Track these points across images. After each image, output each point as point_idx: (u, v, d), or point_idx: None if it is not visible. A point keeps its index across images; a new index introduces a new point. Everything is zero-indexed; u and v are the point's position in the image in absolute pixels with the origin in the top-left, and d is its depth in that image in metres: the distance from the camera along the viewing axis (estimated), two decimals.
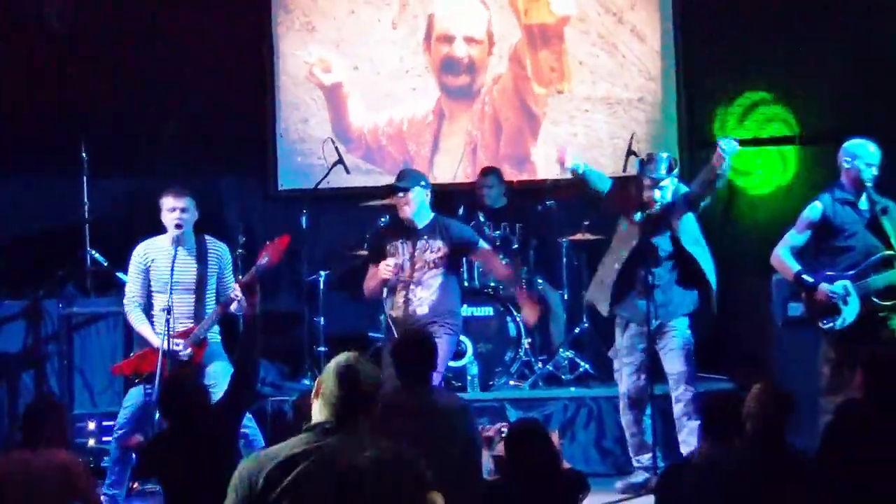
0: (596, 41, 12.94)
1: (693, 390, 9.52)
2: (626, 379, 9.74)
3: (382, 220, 11.37)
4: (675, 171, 9.59)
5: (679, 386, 9.57)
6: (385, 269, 9.54)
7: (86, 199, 11.56)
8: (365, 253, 11.32)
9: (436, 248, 9.63)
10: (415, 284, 9.63)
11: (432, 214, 9.75)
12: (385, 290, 9.71)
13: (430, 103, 13.10)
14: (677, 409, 9.57)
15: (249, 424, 9.38)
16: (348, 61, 13.07)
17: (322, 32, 13.09)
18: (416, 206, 9.60)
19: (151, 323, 9.51)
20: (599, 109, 12.88)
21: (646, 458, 9.72)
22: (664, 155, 9.67)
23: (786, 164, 12.31)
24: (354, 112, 12.87)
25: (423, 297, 9.61)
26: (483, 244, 9.96)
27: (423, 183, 9.69)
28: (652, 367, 9.66)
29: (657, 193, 9.49)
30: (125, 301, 9.63)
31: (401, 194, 9.60)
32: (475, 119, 13.06)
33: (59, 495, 7.54)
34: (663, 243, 9.58)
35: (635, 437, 9.79)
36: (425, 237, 9.64)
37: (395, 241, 9.70)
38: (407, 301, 9.61)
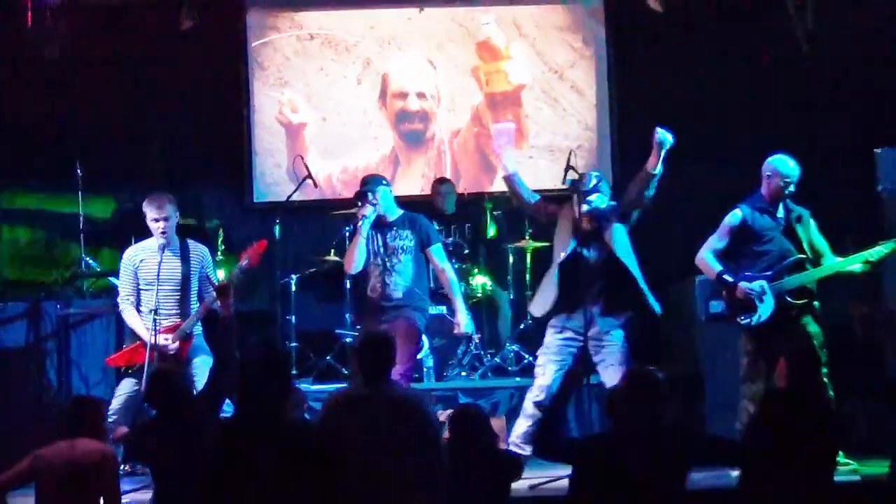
0: (539, 96, 13.20)
1: None
2: (548, 374, 9.37)
3: (347, 228, 11.45)
4: (603, 184, 9.56)
5: None
6: (361, 211, 9.79)
7: (80, 211, 11.52)
8: (333, 258, 11.49)
9: (404, 236, 9.86)
10: (390, 269, 9.83)
11: (401, 211, 9.98)
12: (361, 266, 9.88)
13: (386, 150, 13.22)
14: None
15: (228, 411, 9.42)
16: (317, 113, 13.18)
17: (294, 87, 13.18)
18: (385, 203, 9.81)
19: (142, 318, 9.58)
20: (543, 156, 13.08)
21: (529, 448, 9.26)
22: (594, 173, 9.70)
23: None
24: (311, 160, 12.69)
25: (399, 282, 9.83)
26: (437, 247, 10.05)
27: (384, 182, 9.99)
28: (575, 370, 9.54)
29: (586, 207, 9.47)
30: (119, 300, 9.76)
31: (370, 195, 9.76)
32: (431, 164, 13.20)
33: (95, 484, 7.56)
34: (596, 255, 9.45)
35: (533, 427, 9.28)
36: (395, 228, 9.88)
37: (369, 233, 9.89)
38: (384, 284, 9.81)
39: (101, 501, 7.56)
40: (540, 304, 9.61)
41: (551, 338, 9.49)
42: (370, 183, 9.89)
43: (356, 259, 9.83)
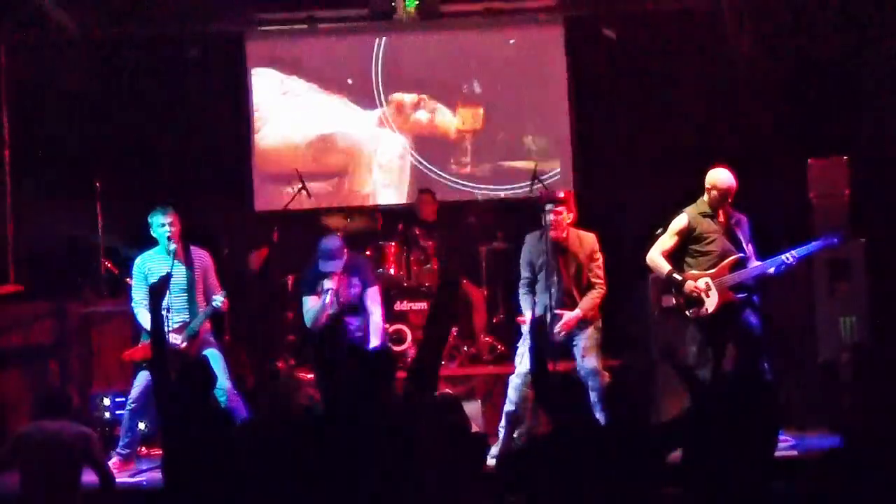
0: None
1: (604, 381, 9.20)
2: (526, 362, 9.28)
3: None
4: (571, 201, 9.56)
5: (594, 379, 9.13)
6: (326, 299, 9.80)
7: (99, 220, 11.47)
8: None
9: (354, 284, 9.88)
10: (348, 314, 9.85)
11: (346, 256, 9.96)
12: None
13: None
14: (594, 395, 8.93)
15: (235, 400, 9.33)
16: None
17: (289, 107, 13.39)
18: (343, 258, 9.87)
19: None
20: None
21: (516, 432, 9.41)
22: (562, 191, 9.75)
23: None
24: None
25: (357, 324, 9.89)
26: (371, 288, 9.99)
27: (341, 256, 9.92)
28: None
29: (553, 217, 9.40)
30: (133, 304, 9.67)
31: (328, 283, 9.85)
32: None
33: (79, 459, 7.54)
34: (562, 258, 9.44)
35: (517, 412, 9.41)
36: (346, 275, 9.90)
37: (324, 280, 9.86)
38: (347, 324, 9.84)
39: (97, 479, 7.63)
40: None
41: (526, 329, 9.46)
42: (337, 260, 9.86)
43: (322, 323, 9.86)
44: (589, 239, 9.53)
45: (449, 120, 13.37)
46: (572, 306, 9.41)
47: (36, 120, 12.21)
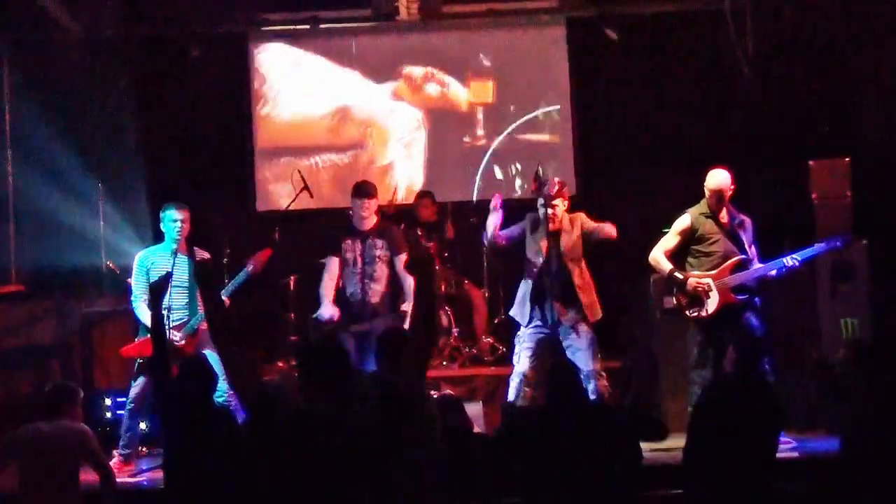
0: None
1: (603, 383, 9.28)
2: (524, 361, 9.34)
3: None
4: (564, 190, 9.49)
5: (590, 382, 9.08)
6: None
7: (101, 220, 11.47)
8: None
9: (379, 245, 9.70)
10: (368, 278, 9.69)
11: (375, 218, 9.81)
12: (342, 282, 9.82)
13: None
14: (592, 397, 9.04)
15: (232, 400, 9.29)
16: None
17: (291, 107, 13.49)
18: (373, 213, 9.72)
19: None
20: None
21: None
22: (555, 179, 9.59)
23: None
24: None
25: (377, 290, 9.68)
26: (402, 255, 9.84)
27: (377, 196, 9.88)
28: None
29: (549, 210, 9.37)
30: (132, 298, 9.60)
31: (367, 201, 9.72)
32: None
33: (77, 457, 7.52)
34: (559, 255, 9.38)
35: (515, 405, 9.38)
36: (371, 237, 9.71)
37: (347, 240, 9.77)
38: (363, 292, 9.66)
39: (97, 476, 7.62)
40: (520, 313, 9.48)
41: (523, 329, 9.46)
42: (372, 190, 9.86)
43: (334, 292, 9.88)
44: (578, 218, 9.47)
45: (461, 93, 13.48)
46: (568, 283, 9.34)
47: (37, 120, 12.16)
